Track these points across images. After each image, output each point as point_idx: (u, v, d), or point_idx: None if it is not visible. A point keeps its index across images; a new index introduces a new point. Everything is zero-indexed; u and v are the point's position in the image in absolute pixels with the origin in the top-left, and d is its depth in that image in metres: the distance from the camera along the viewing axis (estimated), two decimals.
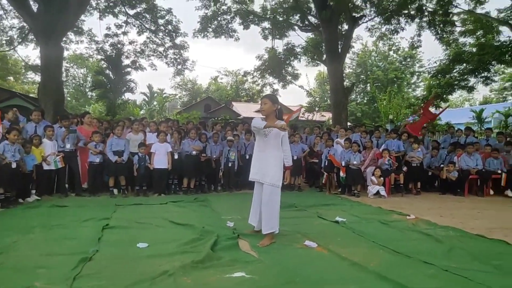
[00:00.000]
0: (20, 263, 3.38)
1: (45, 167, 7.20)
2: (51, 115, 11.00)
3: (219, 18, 18.61)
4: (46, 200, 6.96)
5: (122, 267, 3.34)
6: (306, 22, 18.30)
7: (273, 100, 4.40)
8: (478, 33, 16.45)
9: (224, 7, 18.33)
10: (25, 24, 16.39)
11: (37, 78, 29.52)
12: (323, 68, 21.06)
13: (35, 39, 16.29)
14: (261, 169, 4.32)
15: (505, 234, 4.70)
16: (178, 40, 19.90)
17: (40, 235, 4.45)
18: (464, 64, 16.31)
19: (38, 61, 20.82)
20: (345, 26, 17.59)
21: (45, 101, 11.77)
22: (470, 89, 17.15)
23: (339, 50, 16.12)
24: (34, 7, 12.75)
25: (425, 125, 11.08)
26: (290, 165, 4.56)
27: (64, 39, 16.17)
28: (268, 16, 19.04)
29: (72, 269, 3.21)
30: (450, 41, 17.29)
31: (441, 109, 11.07)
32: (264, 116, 4.43)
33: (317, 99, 30.93)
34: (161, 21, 19.20)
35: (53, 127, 7.56)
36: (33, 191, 7.06)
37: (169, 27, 19.30)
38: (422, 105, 13.00)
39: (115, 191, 7.73)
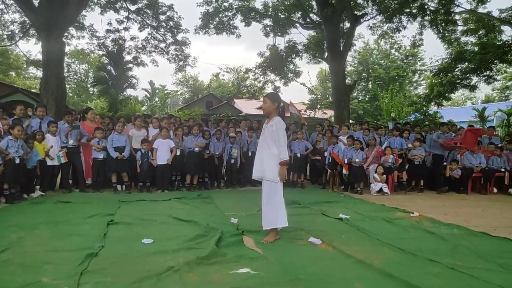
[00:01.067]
0: (27, 259, 3.39)
1: (49, 162, 7.19)
2: (53, 110, 11.03)
3: (220, 15, 18.59)
4: (50, 196, 6.98)
5: (128, 263, 3.36)
6: (308, 20, 18.29)
7: (272, 99, 4.40)
8: (480, 32, 16.47)
9: (226, 4, 18.32)
10: (26, 19, 16.36)
11: (39, 73, 29.51)
12: (324, 65, 21.05)
13: (36, 34, 16.28)
14: (259, 166, 4.33)
15: (509, 232, 4.71)
16: (179, 37, 19.92)
17: (45, 231, 4.47)
18: (466, 63, 16.34)
19: (39, 56, 20.86)
20: (347, 24, 17.59)
21: (47, 96, 11.78)
22: (472, 88, 17.20)
23: (341, 48, 16.13)
24: (36, 1, 12.74)
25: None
26: (284, 160, 4.17)
27: (66, 34, 16.11)
28: (269, 13, 19.01)
29: (79, 264, 3.23)
30: (452, 40, 17.31)
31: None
32: (267, 115, 4.44)
33: (318, 96, 30.93)
34: (162, 17, 19.22)
35: (56, 123, 7.55)
36: (37, 187, 7.07)
37: (171, 23, 19.30)
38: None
39: (119, 187, 7.75)
